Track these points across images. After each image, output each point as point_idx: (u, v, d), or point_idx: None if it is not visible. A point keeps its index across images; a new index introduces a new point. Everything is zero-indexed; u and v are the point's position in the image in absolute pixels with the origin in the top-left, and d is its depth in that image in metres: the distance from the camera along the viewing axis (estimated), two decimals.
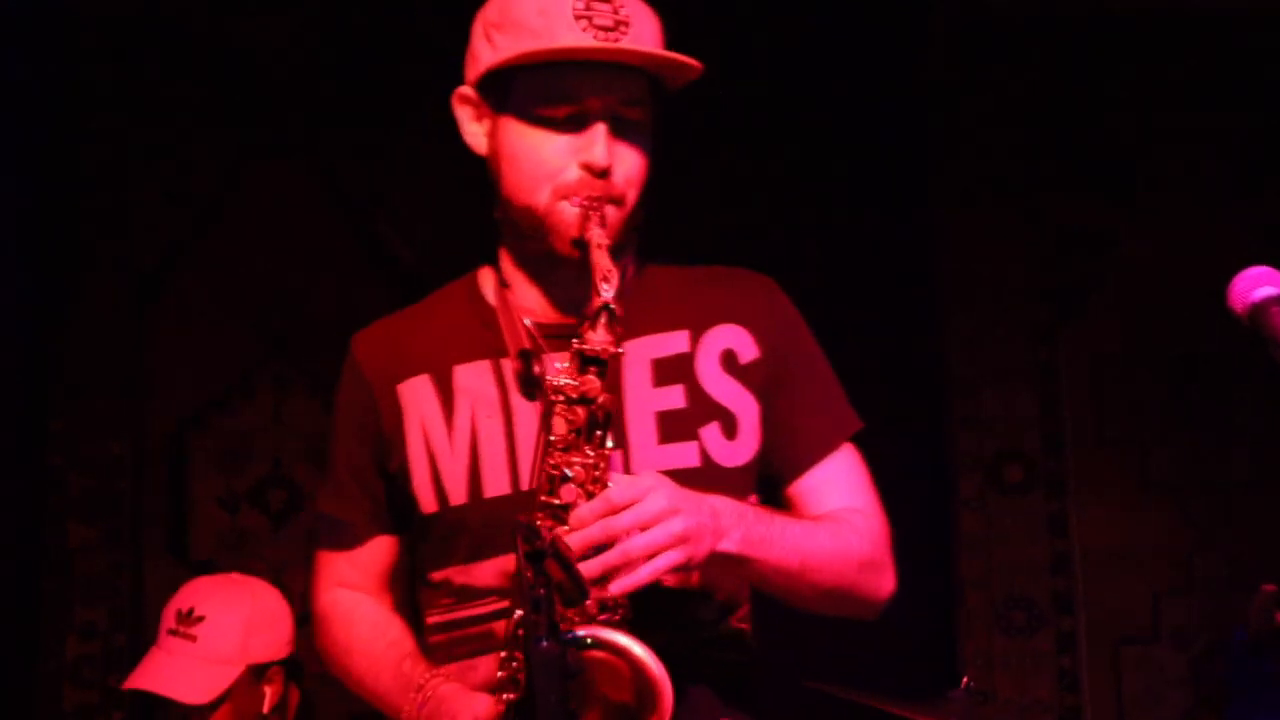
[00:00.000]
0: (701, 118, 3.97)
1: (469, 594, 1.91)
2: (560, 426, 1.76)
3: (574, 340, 1.78)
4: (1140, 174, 4.28)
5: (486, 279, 2.01)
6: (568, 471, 1.74)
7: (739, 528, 1.77)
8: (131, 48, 4.18)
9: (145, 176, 4.16)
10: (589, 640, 1.63)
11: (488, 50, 1.90)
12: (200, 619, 2.79)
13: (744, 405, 1.93)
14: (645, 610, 1.73)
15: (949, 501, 4.17)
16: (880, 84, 4.23)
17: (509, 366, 1.89)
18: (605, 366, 1.76)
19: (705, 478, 1.86)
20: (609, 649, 1.65)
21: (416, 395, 1.95)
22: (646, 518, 1.68)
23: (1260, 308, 1.64)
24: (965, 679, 3.12)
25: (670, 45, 1.92)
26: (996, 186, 4.26)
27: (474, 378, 1.93)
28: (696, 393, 1.91)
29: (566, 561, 1.52)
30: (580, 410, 1.75)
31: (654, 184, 1.92)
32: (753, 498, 1.94)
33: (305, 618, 4.05)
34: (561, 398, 1.76)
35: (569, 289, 1.88)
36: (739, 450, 1.93)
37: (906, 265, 4.21)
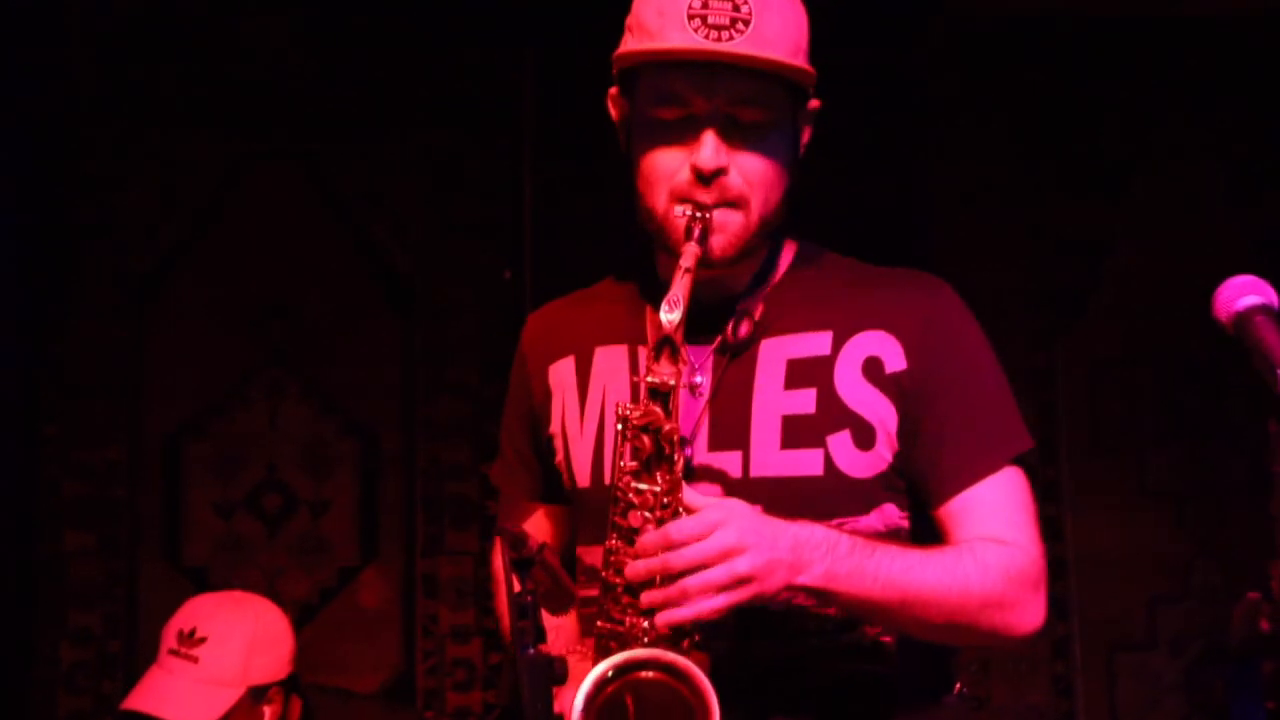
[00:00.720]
0: None
1: (591, 573, 1.90)
2: (629, 454, 1.74)
3: (636, 374, 1.79)
4: (1137, 180, 4.28)
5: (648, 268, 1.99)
6: (633, 497, 1.73)
7: (823, 562, 1.71)
8: (128, 52, 4.18)
9: (141, 181, 4.16)
10: (639, 662, 1.65)
11: (621, 50, 1.90)
12: (202, 640, 2.76)
13: (883, 415, 1.85)
14: (753, 619, 1.72)
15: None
16: (877, 90, 4.23)
17: (644, 354, 1.85)
18: (667, 397, 1.73)
19: (828, 486, 1.82)
20: (664, 669, 1.65)
21: (561, 376, 1.99)
22: (707, 556, 1.65)
23: (1244, 316, 1.64)
24: (958, 684, 3.12)
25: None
26: (993, 192, 4.26)
27: (611, 361, 1.94)
28: (829, 398, 1.85)
29: (553, 570, 1.52)
30: (646, 439, 1.73)
31: (796, 184, 1.88)
32: (889, 508, 1.86)
33: (301, 621, 4.06)
34: (629, 426, 1.74)
35: (706, 287, 1.82)
36: (871, 461, 1.85)
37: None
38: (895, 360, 1.86)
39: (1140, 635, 4.16)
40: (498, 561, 2.08)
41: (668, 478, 1.72)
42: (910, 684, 1.89)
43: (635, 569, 1.68)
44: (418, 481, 4.13)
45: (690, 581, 1.65)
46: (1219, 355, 4.12)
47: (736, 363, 1.87)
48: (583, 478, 1.93)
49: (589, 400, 1.94)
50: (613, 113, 1.94)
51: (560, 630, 1.95)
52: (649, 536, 1.68)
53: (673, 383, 1.73)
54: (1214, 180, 4.27)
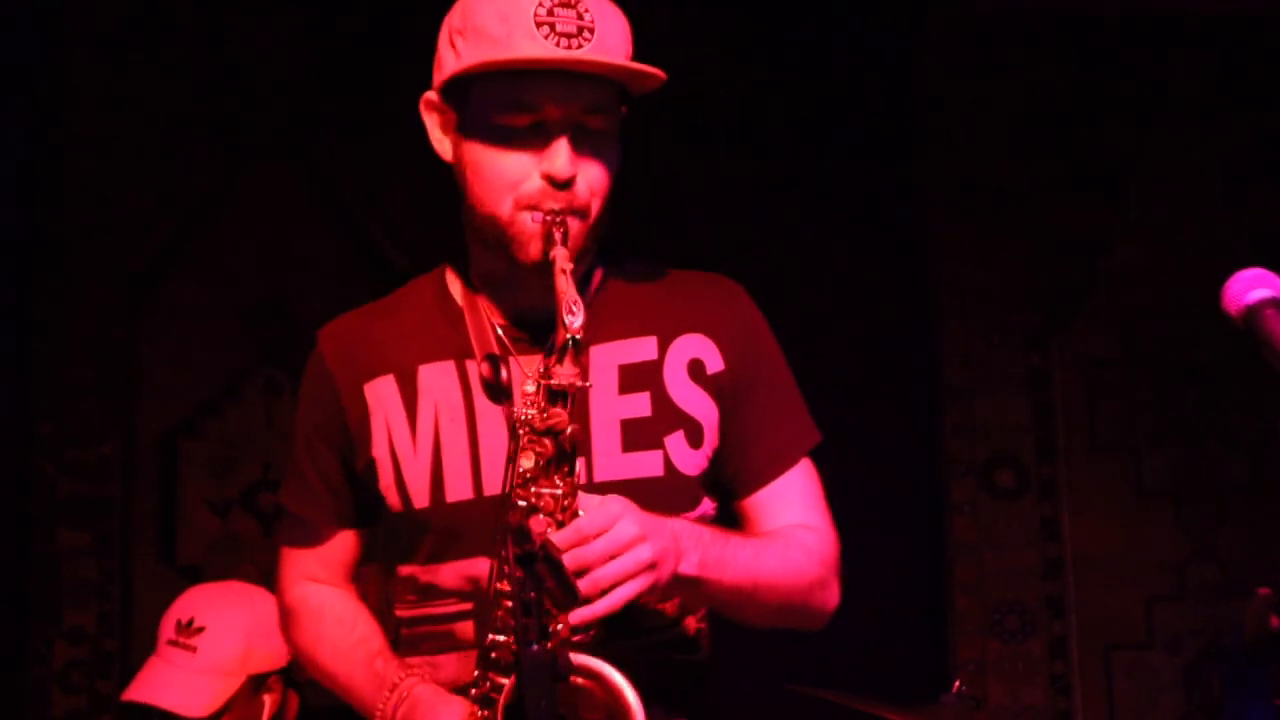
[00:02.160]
0: (694, 124, 3.97)
1: (433, 593, 1.92)
2: (529, 458, 1.75)
3: (539, 374, 1.77)
4: (1133, 180, 4.28)
5: (453, 278, 1.99)
6: (535, 502, 1.73)
7: (697, 550, 1.78)
8: (122, 51, 4.17)
9: (135, 180, 4.15)
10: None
11: (451, 56, 1.87)
12: (200, 630, 2.76)
13: (708, 414, 1.93)
14: (611, 619, 1.73)
15: (942, 507, 4.17)
16: (874, 89, 4.23)
17: (474, 368, 1.88)
18: (572, 399, 1.75)
19: (667, 486, 1.89)
20: (583, 673, 1.66)
21: (381, 395, 1.94)
22: (616, 546, 1.68)
23: (1254, 310, 1.63)
24: (957, 684, 3.12)
25: (649, 51, 1.89)
26: (989, 193, 4.26)
27: (438, 378, 1.92)
28: (663, 401, 1.91)
29: (557, 565, 1.51)
30: (548, 442, 1.74)
31: (620, 191, 1.89)
32: (706, 502, 1.95)
33: None
34: (528, 430, 1.75)
35: (535, 296, 1.86)
36: (699, 458, 1.93)
37: (899, 271, 4.22)
38: (714, 362, 1.95)
39: (1138, 634, 4.15)
40: (290, 594, 2.07)
41: (566, 480, 1.74)
42: (718, 671, 1.99)
43: None
44: None
45: (602, 574, 1.67)
46: (1216, 354, 4.12)
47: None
48: (420, 498, 1.90)
49: (420, 419, 1.91)
50: (429, 117, 1.92)
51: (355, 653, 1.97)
52: (558, 535, 1.68)
53: (580, 384, 1.74)
54: (1211, 180, 4.27)
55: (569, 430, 1.73)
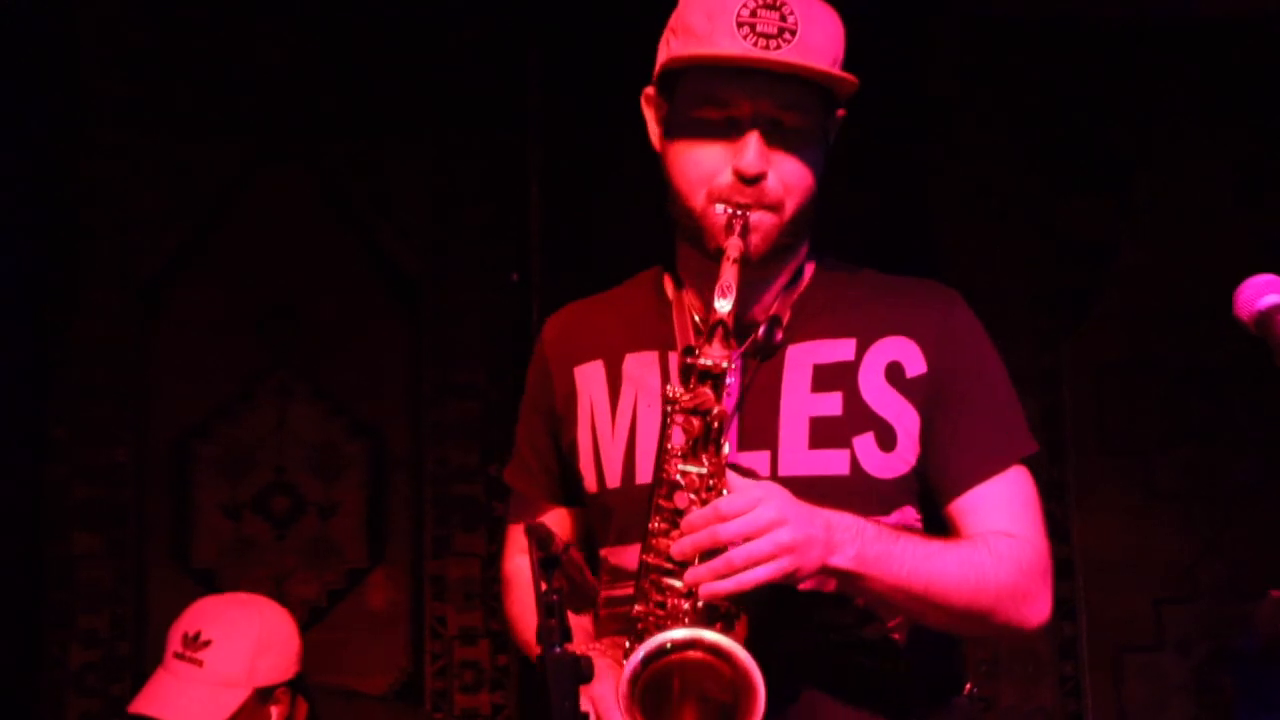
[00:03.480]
0: None
1: (618, 574, 1.95)
2: (678, 436, 1.78)
3: (686, 354, 1.83)
4: (1142, 183, 4.29)
5: (669, 274, 2.05)
6: (680, 478, 1.76)
7: (854, 544, 1.76)
8: (134, 58, 4.18)
9: (148, 185, 4.17)
10: (682, 642, 1.67)
11: (664, 51, 1.94)
12: (207, 643, 2.77)
13: (904, 418, 1.92)
14: (776, 611, 1.75)
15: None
16: (881, 92, 4.23)
17: (675, 359, 1.94)
18: (719, 380, 1.78)
19: (854, 486, 1.88)
20: (708, 649, 1.67)
21: (589, 379, 2.02)
22: (754, 528, 1.70)
23: (1266, 315, 1.65)
24: (968, 685, 3.12)
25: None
26: (998, 195, 4.27)
27: (641, 367, 1.98)
28: (854, 401, 1.91)
29: (578, 568, 1.53)
30: (696, 421, 1.77)
31: (825, 190, 1.93)
32: (908, 510, 1.93)
33: (309, 622, 4.05)
34: (676, 408, 1.78)
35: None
36: (894, 462, 1.91)
37: (908, 274, 4.22)
38: (916, 365, 1.93)
39: (1147, 636, 4.16)
40: (509, 565, 2.12)
41: (714, 460, 1.76)
42: (919, 681, 1.93)
43: (683, 544, 1.72)
44: (426, 483, 4.14)
45: (736, 553, 1.69)
46: (1225, 356, 4.13)
47: (764, 367, 1.92)
48: (613, 479, 1.96)
49: (620, 404, 1.98)
50: (647, 110, 1.98)
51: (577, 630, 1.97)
52: (697, 513, 1.72)
53: (725, 365, 1.78)
54: (1219, 182, 4.28)
55: (715, 410, 1.76)
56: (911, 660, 1.92)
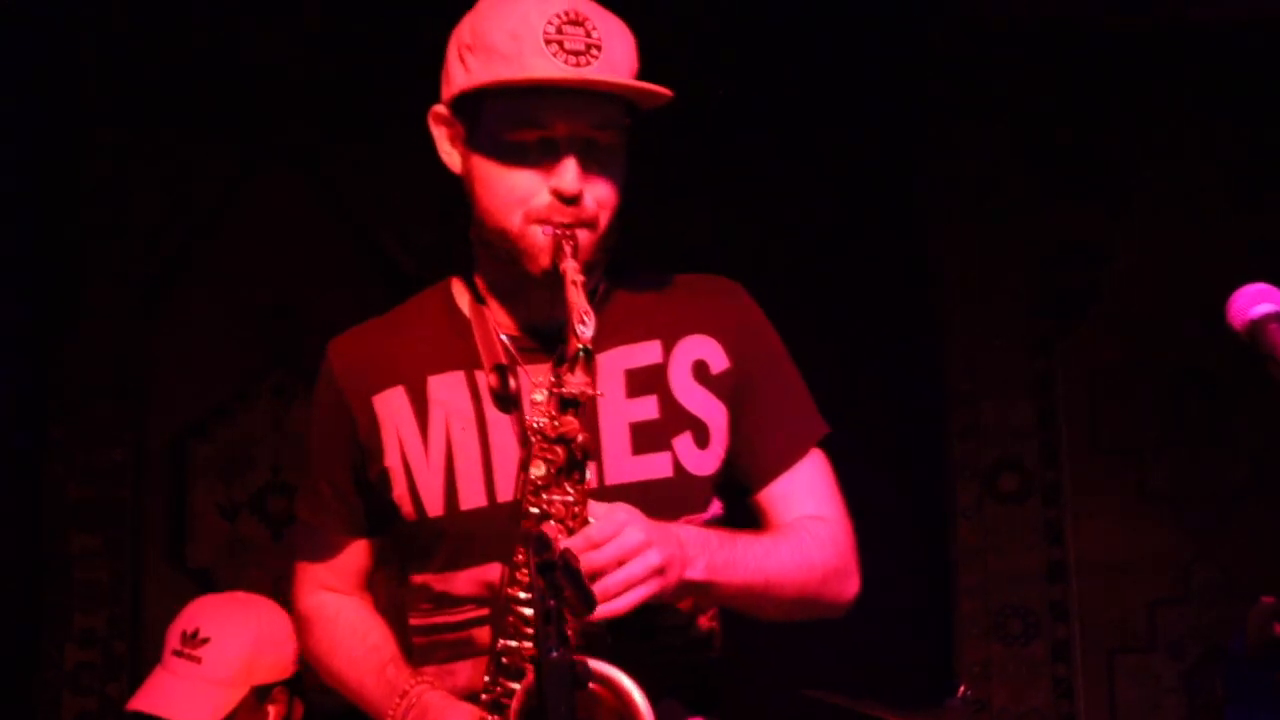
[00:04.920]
0: (699, 132, 3.99)
1: (447, 600, 1.94)
2: (540, 466, 1.78)
3: (551, 383, 1.81)
4: (1137, 186, 4.30)
5: (460, 290, 2.02)
6: (546, 509, 1.77)
7: (704, 555, 1.81)
8: (134, 60, 4.19)
9: (146, 187, 4.17)
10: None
11: (460, 72, 1.89)
12: (205, 640, 2.77)
13: (715, 414, 1.96)
14: (617, 622, 1.75)
15: (946, 510, 4.19)
16: (877, 96, 4.24)
17: (483, 379, 1.92)
18: (583, 408, 1.78)
19: (677, 487, 1.92)
20: (595, 678, 1.68)
21: (391, 406, 1.96)
22: (624, 551, 1.72)
23: (1258, 324, 1.66)
24: (962, 687, 3.14)
25: (652, 60, 1.92)
26: (994, 199, 4.27)
27: (448, 389, 1.95)
28: (669, 403, 1.94)
29: (576, 573, 1.54)
30: (560, 449, 1.77)
31: (628, 204, 1.92)
32: (716, 502, 1.98)
33: None
34: (540, 438, 1.78)
35: (542, 307, 1.90)
36: (708, 459, 1.95)
37: (905, 277, 4.23)
38: (719, 361, 1.97)
39: (1141, 638, 4.17)
40: (305, 602, 2.10)
41: (577, 487, 1.78)
42: (730, 671, 2.02)
43: None
44: None
45: (613, 579, 1.71)
46: (1219, 360, 4.14)
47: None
48: (434, 507, 1.92)
49: (431, 430, 1.94)
50: (438, 130, 1.96)
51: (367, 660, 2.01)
52: (568, 543, 1.71)
53: (591, 393, 1.78)
54: (1214, 185, 4.28)
55: (580, 438, 1.77)
56: (724, 650, 2.00)
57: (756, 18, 4.19)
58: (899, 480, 4.08)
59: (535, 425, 1.79)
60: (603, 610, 1.68)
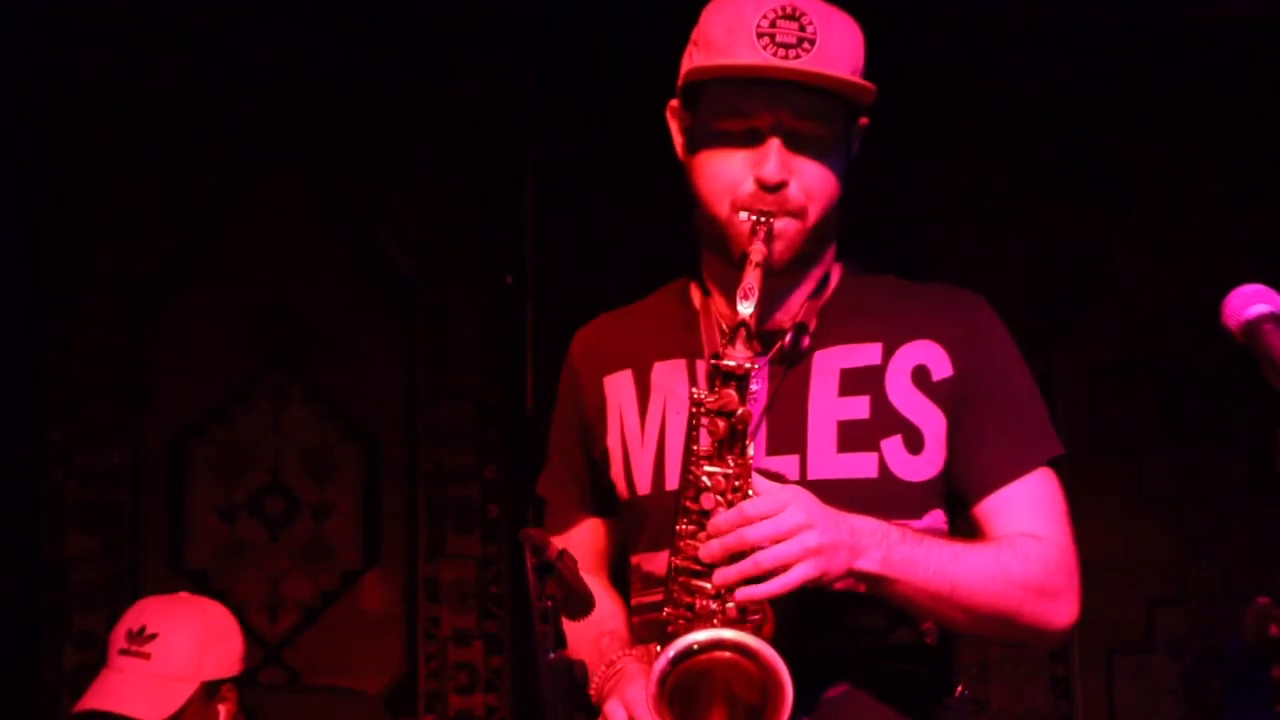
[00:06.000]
0: None
1: (651, 580, 1.96)
2: (704, 438, 1.80)
3: (712, 357, 1.84)
4: (1135, 187, 4.30)
5: (695, 284, 2.07)
6: (706, 480, 1.78)
7: (880, 548, 1.78)
8: (130, 59, 4.19)
9: (144, 188, 4.17)
10: (711, 643, 1.69)
11: (687, 64, 1.96)
12: (153, 636, 2.76)
13: (931, 421, 1.93)
14: (806, 614, 1.76)
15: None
16: (875, 96, 4.24)
17: (703, 367, 1.95)
18: (743, 380, 1.79)
19: (882, 489, 1.89)
20: (733, 649, 1.69)
21: (618, 388, 2.04)
22: (781, 531, 1.72)
23: (1253, 325, 1.66)
24: (960, 687, 3.13)
25: None
26: (991, 198, 4.28)
27: (670, 375, 2.00)
28: (882, 405, 1.93)
29: (572, 574, 1.54)
30: (721, 422, 1.78)
31: (848, 198, 1.96)
32: (937, 513, 1.94)
33: (303, 624, 4.04)
34: (702, 410, 1.80)
35: (763, 300, 1.89)
36: (922, 465, 1.93)
37: (901, 278, 4.23)
38: (942, 368, 1.95)
39: (1139, 638, 4.18)
40: None
41: (739, 461, 1.78)
42: (948, 685, 1.96)
43: (710, 547, 1.74)
44: (420, 485, 4.14)
45: (765, 555, 1.71)
46: (1217, 360, 4.14)
47: (792, 373, 1.94)
48: (643, 486, 1.98)
49: (649, 412, 2.00)
50: (672, 123, 2.01)
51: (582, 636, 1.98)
52: (724, 515, 1.74)
53: (748, 366, 1.79)
54: (1211, 185, 4.29)
55: (740, 411, 1.78)
56: (942, 663, 1.95)
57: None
58: None
59: (697, 397, 1.81)
60: (760, 588, 1.69)
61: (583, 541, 2.11)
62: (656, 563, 1.93)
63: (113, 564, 4.05)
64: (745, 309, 1.80)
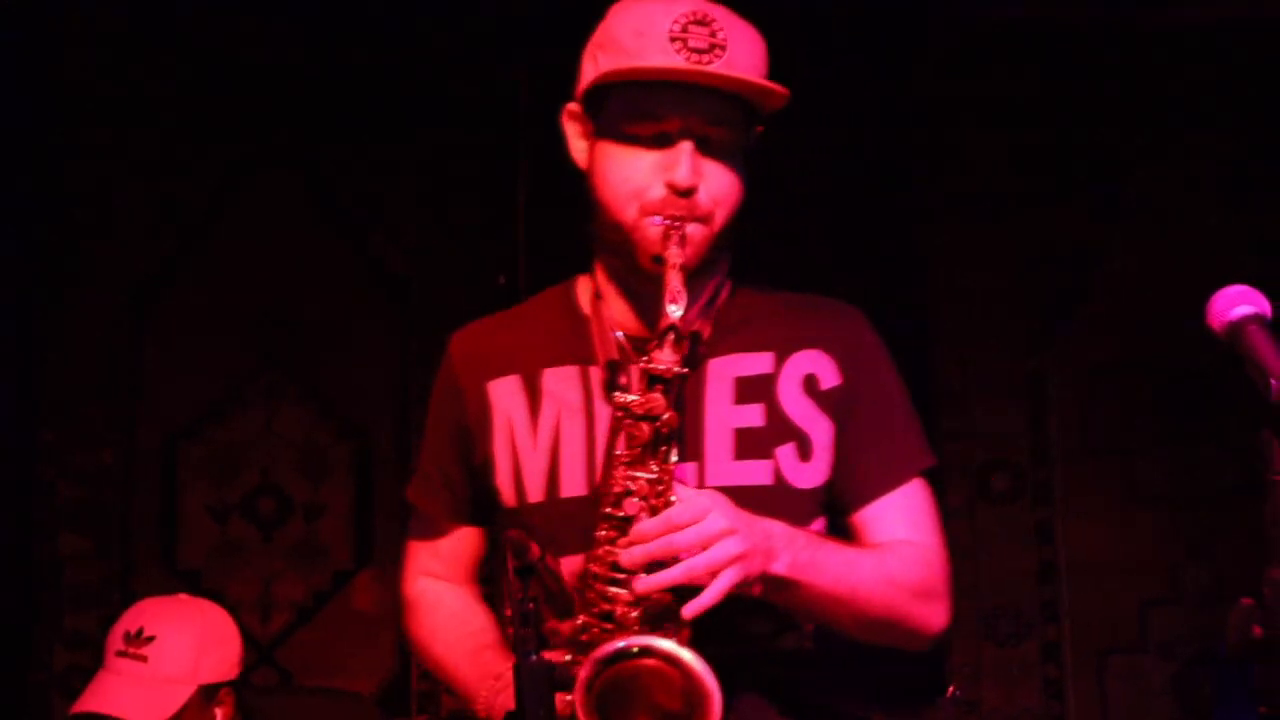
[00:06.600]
0: None
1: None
2: (626, 442, 1.80)
3: (641, 359, 1.83)
4: (1128, 186, 4.30)
5: (583, 288, 2.05)
6: (630, 486, 1.78)
7: (789, 551, 1.80)
8: (124, 60, 4.19)
9: (138, 188, 4.17)
10: (639, 649, 1.68)
11: (590, 68, 1.95)
12: (150, 639, 2.75)
13: (821, 429, 1.96)
14: (701, 620, 1.75)
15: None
16: (870, 97, 4.25)
17: (596, 374, 1.95)
18: (671, 385, 1.79)
19: (776, 496, 1.91)
20: (661, 657, 1.68)
21: (505, 394, 2.01)
22: (706, 536, 1.72)
23: (1237, 326, 1.66)
24: (951, 688, 3.14)
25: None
26: (984, 200, 4.28)
27: (561, 382, 1.98)
28: (775, 413, 1.95)
29: (555, 576, 1.54)
30: (645, 426, 1.78)
31: (749, 204, 1.95)
32: (819, 521, 1.97)
33: (296, 624, 4.04)
34: (626, 414, 1.80)
35: (657, 304, 1.88)
36: (812, 473, 1.96)
37: (896, 277, 4.24)
38: (830, 377, 1.98)
39: (1131, 638, 4.18)
40: (411, 587, 2.10)
41: (662, 466, 1.78)
42: (830, 691, 2.00)
43: (634, 553, 1.73)
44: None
45: (696, 562, 1.71)
46: (1210, 360, 4.13)
47: (687, 380, 1.91)
48: (535, 493, 1.96)
49: (541, 419, 1.98)
50: (570, 127, 2.00)
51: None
52: (649, 522, 1.73)
53: (677, 370, 1.79)
54: (1206, 186, 4.29)
55: (666, 415, 1.78)
56: (818, 667, 1.98)
57: (745, 18, 4.18)
58: None
59: (622, 401, 1.80)
60: (697, 601, 1.69)
61: (453, 550, 2.10)
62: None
63: (104, 564, 4.05)
64: (675, 312, 1.79)
